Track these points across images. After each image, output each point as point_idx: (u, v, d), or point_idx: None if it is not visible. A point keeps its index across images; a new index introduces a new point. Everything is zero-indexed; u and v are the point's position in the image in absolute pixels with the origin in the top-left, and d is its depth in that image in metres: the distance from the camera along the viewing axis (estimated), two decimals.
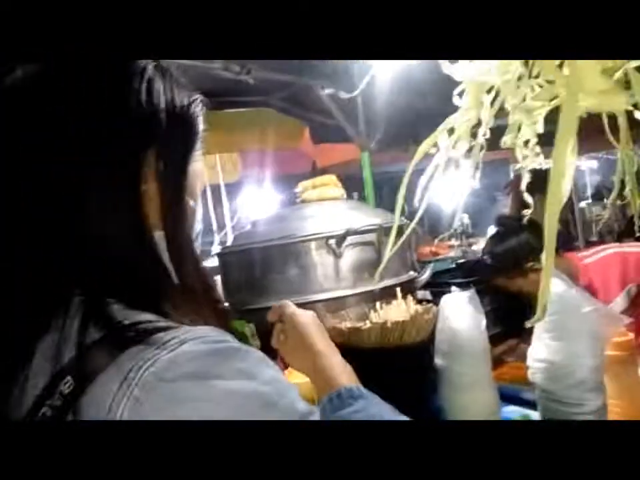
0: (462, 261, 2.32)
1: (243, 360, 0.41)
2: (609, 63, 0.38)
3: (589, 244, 3.21)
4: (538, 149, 0.49)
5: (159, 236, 0.48)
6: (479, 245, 3.97)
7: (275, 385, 0.42)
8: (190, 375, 0.38)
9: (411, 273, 1.47)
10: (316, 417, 0.44)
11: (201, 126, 0.54)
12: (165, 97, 0.48)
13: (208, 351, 0.40)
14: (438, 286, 1.63)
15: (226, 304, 1.48)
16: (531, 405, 1.09)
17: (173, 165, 0.49)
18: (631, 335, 0.98)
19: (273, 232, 1.38)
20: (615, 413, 0.95)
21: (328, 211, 1.41)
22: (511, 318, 1.69)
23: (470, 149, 0.47)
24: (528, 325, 0.41)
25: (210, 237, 3.48)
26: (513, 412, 1.16)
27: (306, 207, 1.46)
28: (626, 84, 0.35)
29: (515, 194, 2.36)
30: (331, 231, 1.33)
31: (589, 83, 0.33)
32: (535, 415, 1.06)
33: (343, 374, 0.65)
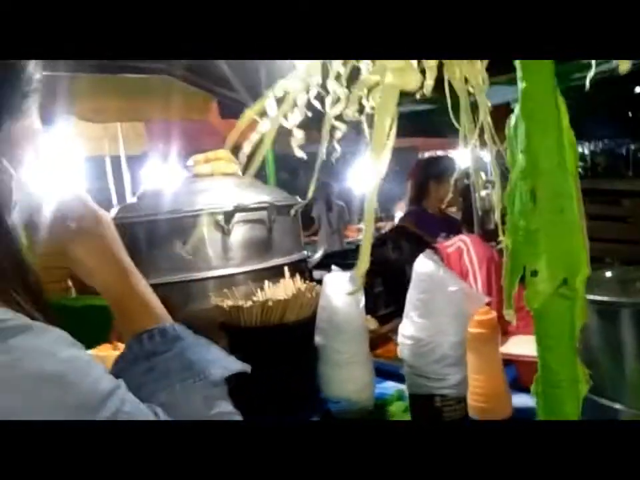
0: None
1: (35, 337, 0.37)
2: None
3: (485, 232, 3.42)
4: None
5: None
6: (387, 228, 4.11)
7: (74, 363, 0.38)
8: None
9: (303, 252, 1.47)
10: (122, 390, 0.41)
11: (28, 81, 0.48)
12: None
13: None
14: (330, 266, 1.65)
15: None
16: None
17: None
18: (493, 314, 1.05)
19: (159, 206, 1.32)
20: (474, 387, 1.01)
21: (219, 187, 1.36)
22: (399, 299, 1.76)
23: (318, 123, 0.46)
24: (348, 294, 0.41)
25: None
26: (390, 387, 1.21)
27: (197, 181, 1.41)
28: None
29: (413, 181, 2.44)
30: (220, 207, 1.29)
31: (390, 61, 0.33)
32: None
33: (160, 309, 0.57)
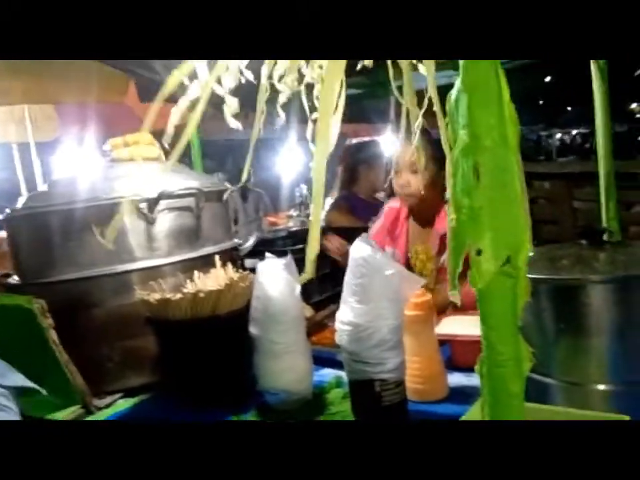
0: (294, 229, 2.34)
1: None
2: None
3: None
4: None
5: None
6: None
7: None
8: None
9: (234, 240, 1.42)
10: None
11: None
12: None
13: None
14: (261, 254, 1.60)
15: (15, 277, 1.27)
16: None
17: None
18: (429, 296, 1.06)
19: (74, 193, 1.21)
20: (412, 369, 1.01)
21: (140, 172, 1.27)
22: (335, 284, 1.75)
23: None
24: (301, 281, 0.38)
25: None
26: (327, 374, 1.19)
27: (115, 166, 1.30)
28: None
29: (343, 166, 2.44)
30: (143, 193, 1.20)
31: None
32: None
33: None
